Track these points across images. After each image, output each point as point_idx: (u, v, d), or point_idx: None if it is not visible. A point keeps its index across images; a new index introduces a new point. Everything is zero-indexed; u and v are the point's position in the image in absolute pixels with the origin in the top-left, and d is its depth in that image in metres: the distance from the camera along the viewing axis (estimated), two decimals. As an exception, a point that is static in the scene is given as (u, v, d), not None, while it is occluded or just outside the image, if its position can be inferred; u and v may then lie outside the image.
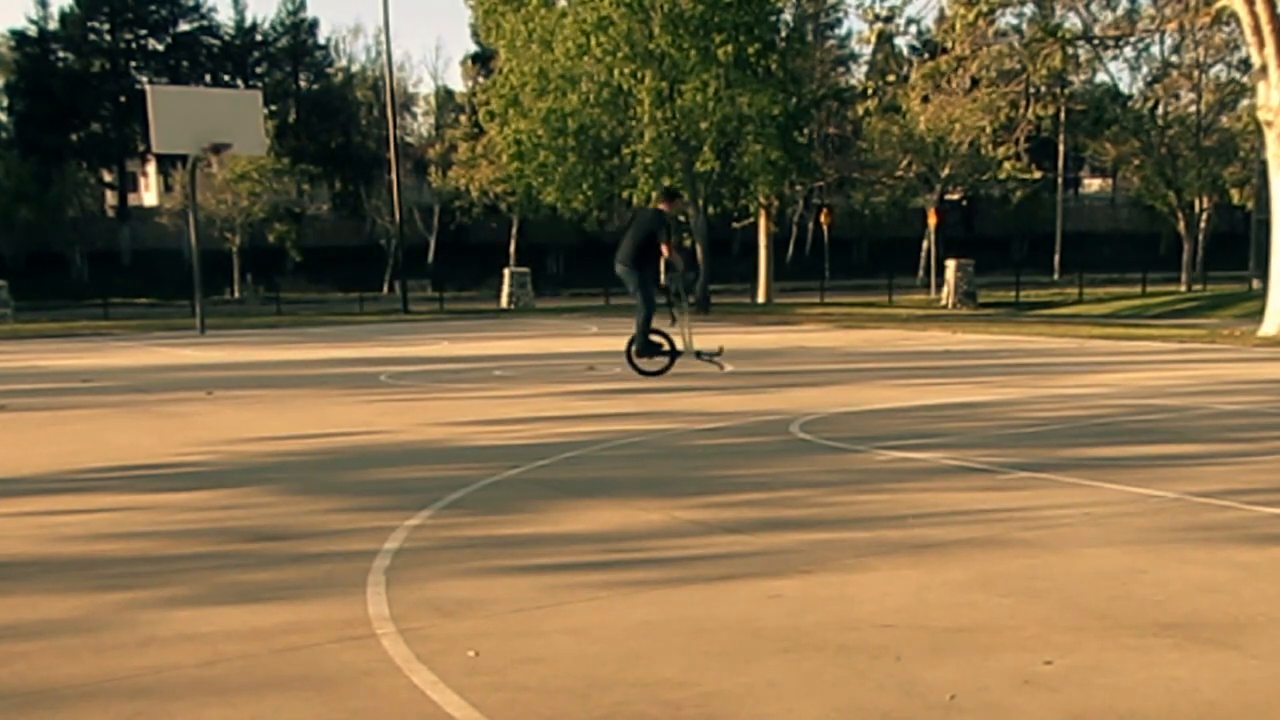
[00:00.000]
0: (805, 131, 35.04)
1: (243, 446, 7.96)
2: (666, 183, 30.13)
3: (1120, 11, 35.19)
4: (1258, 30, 17.71)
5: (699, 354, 12.12)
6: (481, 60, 56.86)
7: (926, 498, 5.77)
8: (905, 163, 42.79)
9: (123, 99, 56.46)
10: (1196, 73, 42.03)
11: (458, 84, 67.88)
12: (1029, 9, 27.59)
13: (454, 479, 6.44)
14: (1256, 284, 32.12)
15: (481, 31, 37.57)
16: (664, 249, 11.66)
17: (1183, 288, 40.21)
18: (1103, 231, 65.17)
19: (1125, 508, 5.46)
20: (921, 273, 47.50)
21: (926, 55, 36.35)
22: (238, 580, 4.47)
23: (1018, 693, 3.17)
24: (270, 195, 51.64)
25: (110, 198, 62.77)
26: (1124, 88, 55.74)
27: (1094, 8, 33.53)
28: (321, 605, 4.09)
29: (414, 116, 69.60)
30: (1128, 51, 40.42)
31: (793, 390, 10.87)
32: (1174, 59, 43.26)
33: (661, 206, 12.38)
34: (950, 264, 35.56)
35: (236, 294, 48.77)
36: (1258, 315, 19.26)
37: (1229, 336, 18.01)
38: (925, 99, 35.87)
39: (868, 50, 50.11)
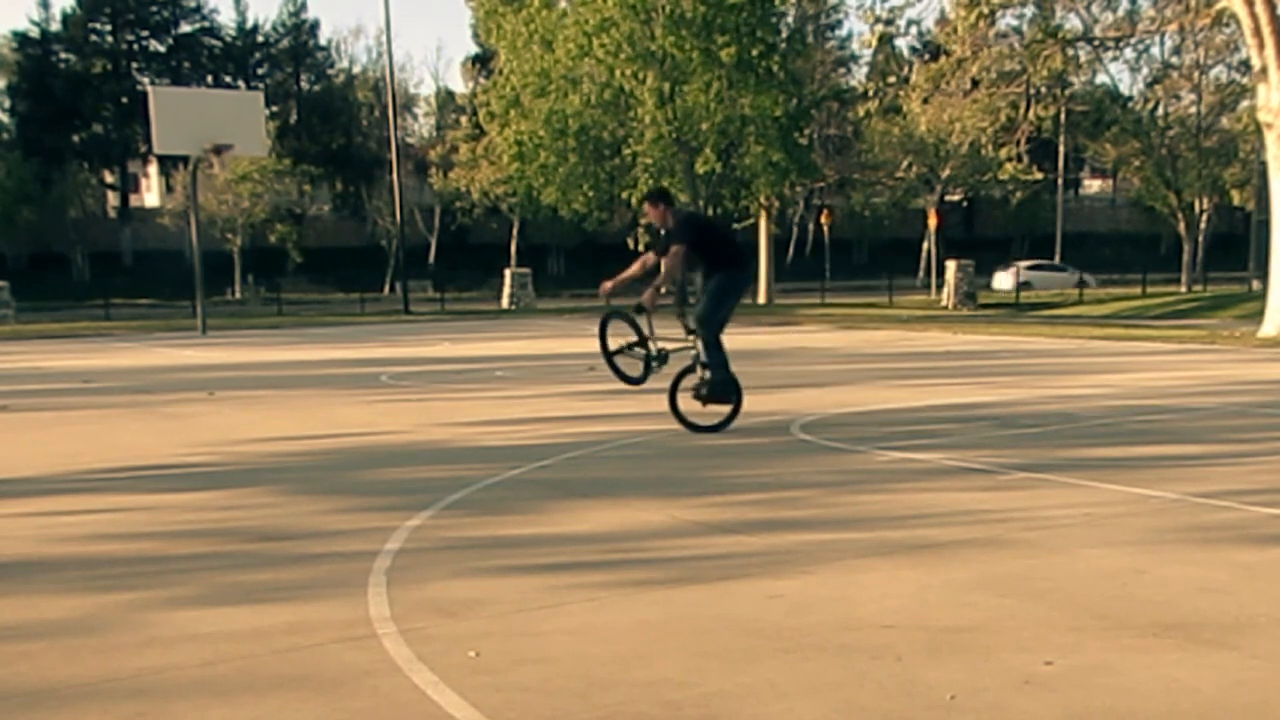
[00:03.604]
0: (806, 132, 35.08)
1: (244, 447, 7.96)
2: (665, 183, 30.20)
3: (1120, 13, 35.14)
4: (1258, 32, 17.71)
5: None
6: (482, 61, 56.82)
7: (927, 498, 5.78)
8: (906, 164, 42.79)
9: (124, 100, 56.45)
10: (1197, 74, 41.98)
11: (459, 85, 67.91)
12: (1029, 10, 27.58)
13: (455, 479, 6.45)
14: (1256, 285, 32.11)
15: (482, 32, 37.60)
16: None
17: (1183, 288, 40.16)
18: (1103, 232, 65.12)
19: (1125, 508, 5.46)
20: (922, 273, 47.49)
21: (927, 56, 36.38)
22: (239, 580, 4.47)
23: (1018, 693, 3.17)
24: (271, 196, 51.61)
25: (112, 198, 62.75)
26: (1124, 89, 55.86)
27: (1094, 9, 33.46)
28: (323, 605, 4.09)
29: (415, 117, 69.61)
30: (1128, 53, 40.41)
31: (793, 391, 10.87)
32: (1174, 60, 43.22)
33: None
34: (950, 265, 35.55)
35: (238, 295, 48.74)
36: (1258, 316, 19.26)
37: (1229, 337, 18.01)
38: (926, 100, 35.86)
39: (868, 52, 50.18)
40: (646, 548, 4.91)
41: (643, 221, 35.73)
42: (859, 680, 3.29)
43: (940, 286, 37.54)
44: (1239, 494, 5.68)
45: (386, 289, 51.65)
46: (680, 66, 28.41)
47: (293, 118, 61.72)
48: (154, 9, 59.49)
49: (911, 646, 3.56)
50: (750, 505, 5.72)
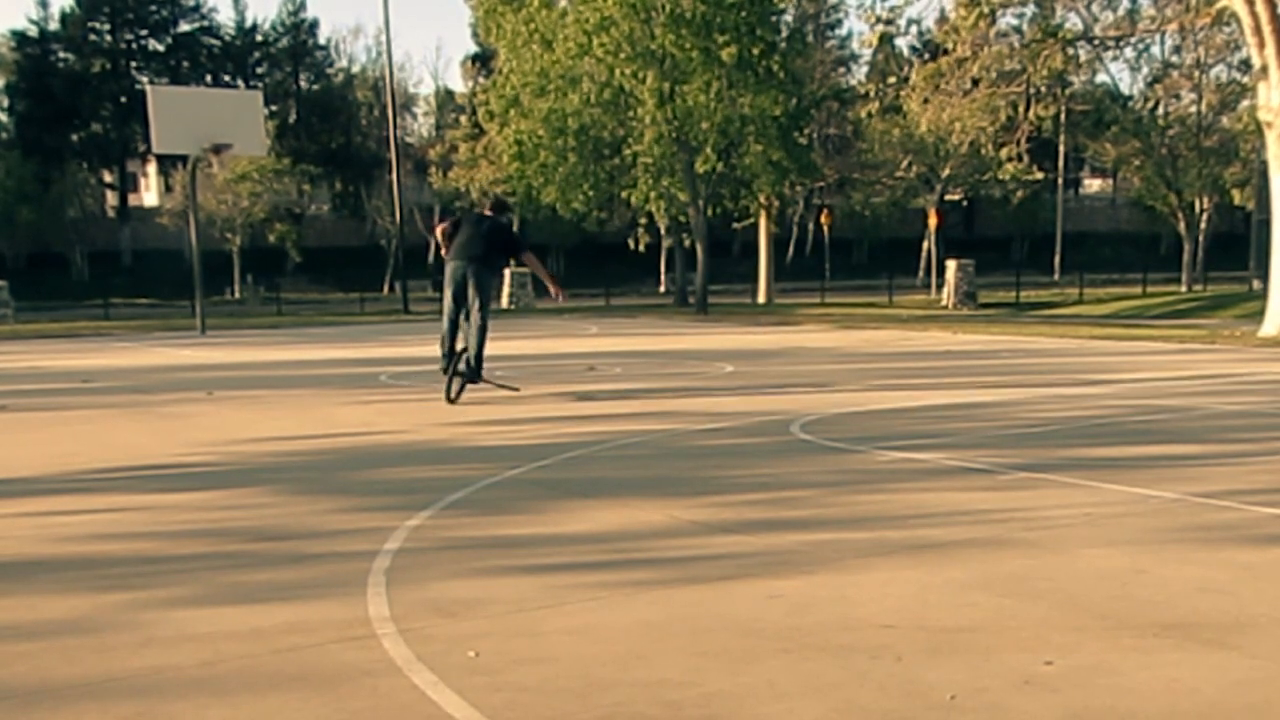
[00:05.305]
0: (806, 132, 35.07)
1: (243, 447, 7.96)
2: (665, 183, 30.23)
3: (1121, 12, 35.14)
4: (1258, 31, 17.71)
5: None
6: (482, 60, 56.86)
7: (927, 498, 5.77)
8: (905, 163, 42.80)
9: (123, 99, 56.44)
10: (1197, 73, 41.99)
11: (458, 84, 67.95)
12: (1030, 9, 27.58)
13: (454, 479, 6.44)
14: (1257, 284, 32.11)
15: (482, 31, 37.58)
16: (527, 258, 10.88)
17: (1183, 288, 40.18)
18: (1103, 232, 65.14)
19: (1125, 508, 5.46)
20: (922, 273, 47.50)
21: (927, 56, 36.39)
22: (238, 580, 4.47)
23: (1018, 693, 3.17)
24: (271, 196, 51.63)
25: (111, 198, 62.75)
26: (1124, 88, 55.83)
27: (1094, 8, 33.47)
28: (322, 605, 4.09)
29: (414, 117, 69.69)
30: (1128, 52, 40.39)
31: (793, 391, 10.87)
32: (1174, 59, 43.25)
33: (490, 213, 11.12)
34: (950, 264, 35.58)
35: (237, 294, 48.73)
36: (1258, 316, 19.26)
37: (1229, 337, 18.01)
38: (926, 100, 35.87)
39: (868, 52, 50.20)
40: (646, 548, 4.91)
41: (641, 221, 35.80)
42: (859, 680, 3.29)
43: (940, 286, 37.55)
44: (1239, 494, 5.67)
45: (386, 289, 51.67)
46: (680, 66, 28.39)
47: (292, 117, 61.73)
48: (153, 8, 59.48)
49: (911, 646, 3.55)
50: (750, 505, 5.71)
